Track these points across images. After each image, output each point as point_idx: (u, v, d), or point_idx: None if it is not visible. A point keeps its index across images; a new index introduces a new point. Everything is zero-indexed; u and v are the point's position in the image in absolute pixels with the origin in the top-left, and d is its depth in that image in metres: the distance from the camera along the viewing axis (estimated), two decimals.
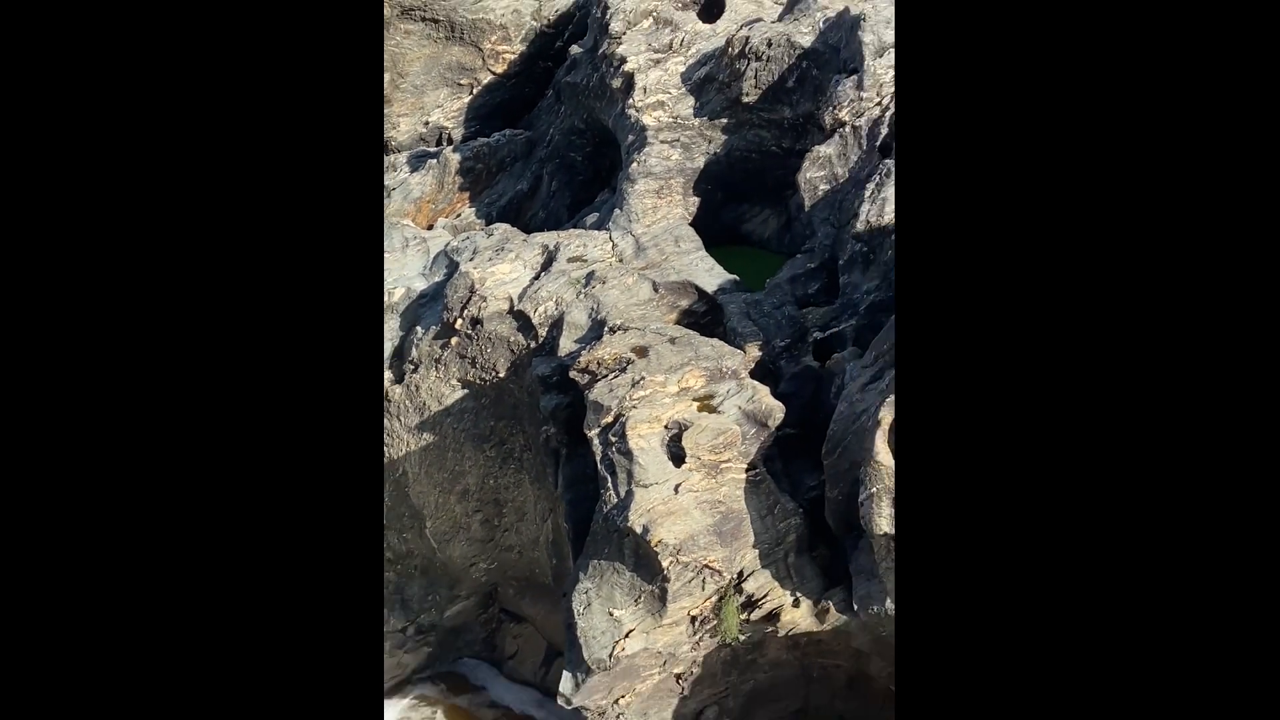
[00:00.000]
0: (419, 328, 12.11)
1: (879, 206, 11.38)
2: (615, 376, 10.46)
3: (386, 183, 14.24)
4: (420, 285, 12.53)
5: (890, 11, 12.69)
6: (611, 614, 10.20)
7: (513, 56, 14.92)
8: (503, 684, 12.67)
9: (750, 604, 10.23)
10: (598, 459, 10.35)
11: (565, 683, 10.40)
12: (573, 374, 10.75)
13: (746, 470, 10.33)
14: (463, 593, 12.54)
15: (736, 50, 13.19)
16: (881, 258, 11.33)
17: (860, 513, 9.71)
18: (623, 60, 13.30)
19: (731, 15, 13.95)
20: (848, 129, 12.39)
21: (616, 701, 10.41)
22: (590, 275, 11.71)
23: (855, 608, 9.92)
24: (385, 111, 14.57)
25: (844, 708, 10.99)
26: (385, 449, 12.13)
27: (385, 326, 12.16)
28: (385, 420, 12.08)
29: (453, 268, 12.29)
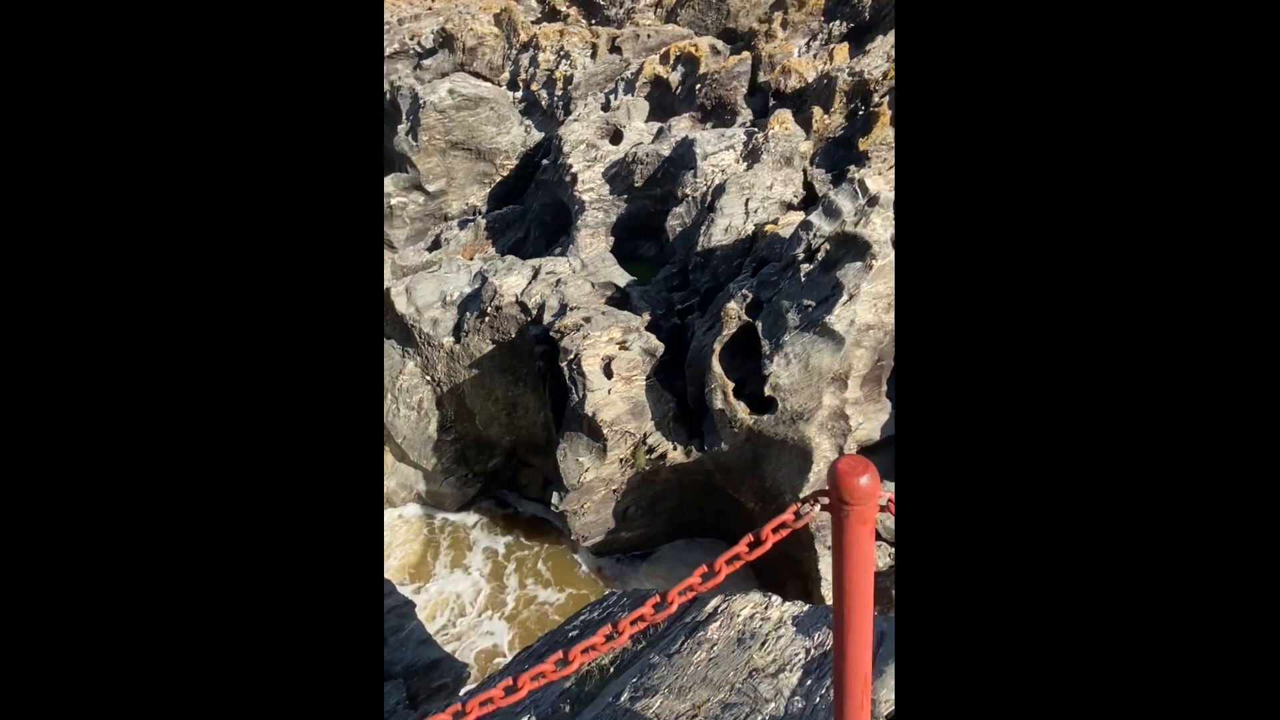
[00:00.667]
0: (468, 313, 11.87)
1: (707, 239, 11.83)
2: (574, 334, 10.55)
3: (444, 235, 13.75)
4: (467, 290, 12.11)
5: (713, 134, 13.00)
6: (579, 460, 10.41)
7: (512, 165, 14.82)
8: (522, 502, 12.56)
9: (651, 449, 10.44)
10: (566, 378, 10.44)
11: (555, 498, 10.67)
12: (552, 334, 10.78)
13: (645, 380, 10.51)
14: (498, 454, 12.36)
15: (630, 160, 13.19)
16: (709, 265, 11.80)
17: (705, 399, 10.21)
18: (570, 167, 13.07)
19: (628, 142, 13.90)
20: (690, 198, 12.66)
21: (583, 506, 10.63)
22: (559, 280, 11.68)
23: (705, 448, 10.21)
24: (443, 198, 14.09)
25: (702, 500, 10.92)
26: (452, 380, 11.80)
27: (447, 315, 11.78)
28: (451, 364, 11.70)
29: (484, 280, 11.93)
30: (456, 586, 11.00)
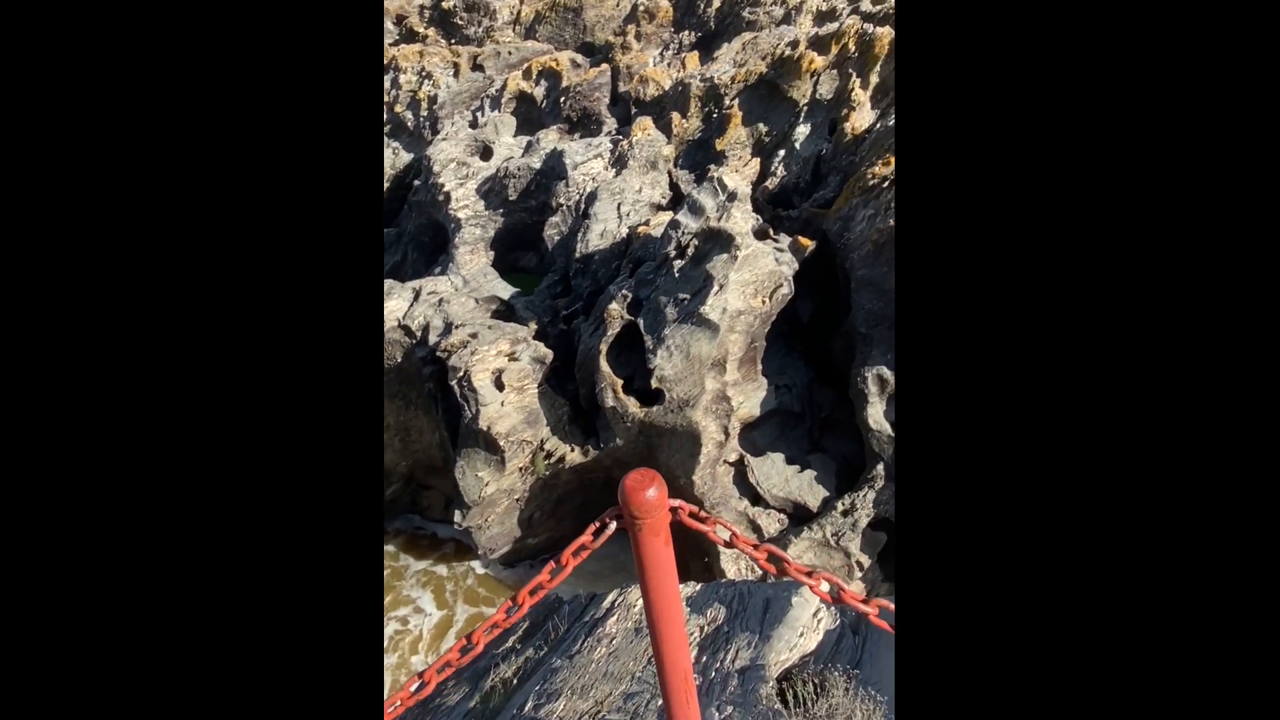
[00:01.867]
0: None
1: (585, 245, 11.82)
2: (461, 351, 10.32)
3: None
4: None
5: (581, 144, 13.03)
6: (478, 475, 10.15)
7: (387, 185, 14.30)
8: (425, 523, 12.30)
9: (549, 455, 10.34)
10: (458, 396, 10.20)
11: (457, 516, 10.39)
12: (439, 354, 10.51)
13: (537, 388, 10.38)
14: (395, 480, 12.00)
15: (502, 174, 13.08)
16: (589, 270, 11.80)
17: (597, 398, 10.28)
18: (443, 186, 12.92)
19: (498, 157, 13.77)
20: (564, 207, 12.63)
21: (486, 519, 10.39)
22: (441, 300, 11.36)
23: (602, 446, 10.22)
24: None
25: (604, 496, 10.93)
26: None
27: None
28: None
29: None
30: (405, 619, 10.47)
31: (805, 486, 9.57)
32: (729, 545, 1.83)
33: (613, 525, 1.71)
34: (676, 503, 1.73)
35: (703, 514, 1.76)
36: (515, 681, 5.01)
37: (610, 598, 5.38)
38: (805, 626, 5.54)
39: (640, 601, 5.39)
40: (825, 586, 1.86)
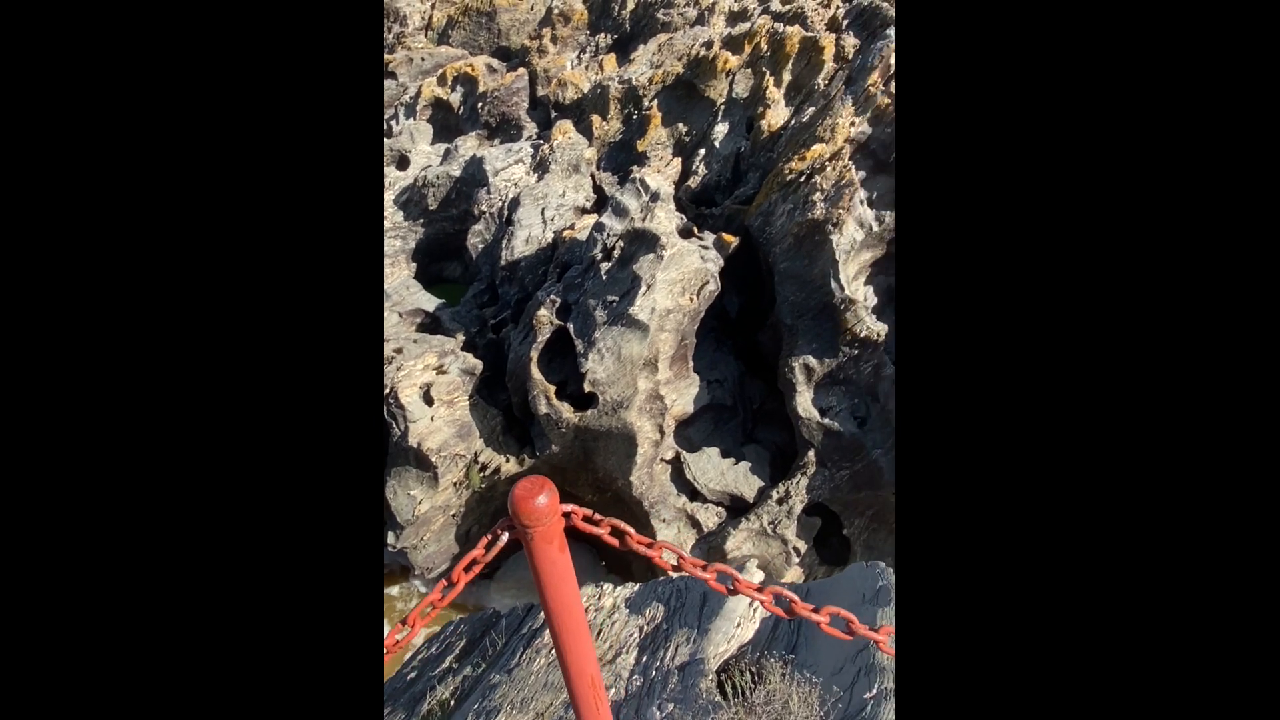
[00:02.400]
0: None
1: (510, 252, 11.69)
2: (387, 367, 10.06)
3: None
4: None
5: (500, 150, 12.88)
6: (410, 494, 9.91)
7: None
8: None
9: (484, 467, 10.18)
10: (385, 414, 9.95)
11: (390, 538, 10.06)
12: None
13: (468, 399, 10.21)
14: None
15: (421, 184, 12.88)
16: (516, 277, 11.67)
17: (530, 406, 10.21)
18: None
19: (415, 166, 13.52)
20: (487, 214, 12.48)
21: (422, 538, 10.16)
22: None
23: (538, 454, 10.15)
24: None
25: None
26: None
27: None
28: None
29: None
30: None
31: (741, 478, 9.72)
32: (676, 569, 1.82)
33: (505, 536, 1.67)
34: (569, 508, 1.70)
35: (596, 517, 1.75)
36: (453, 702, 4.88)
37: None
38: (742, 616, 5.62)
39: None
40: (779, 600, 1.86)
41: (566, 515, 1.68)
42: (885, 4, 13.82)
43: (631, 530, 1.73)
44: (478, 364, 10.34)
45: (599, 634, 5.26)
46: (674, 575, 6.40)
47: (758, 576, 5.64)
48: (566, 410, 9.58)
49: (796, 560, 9.40)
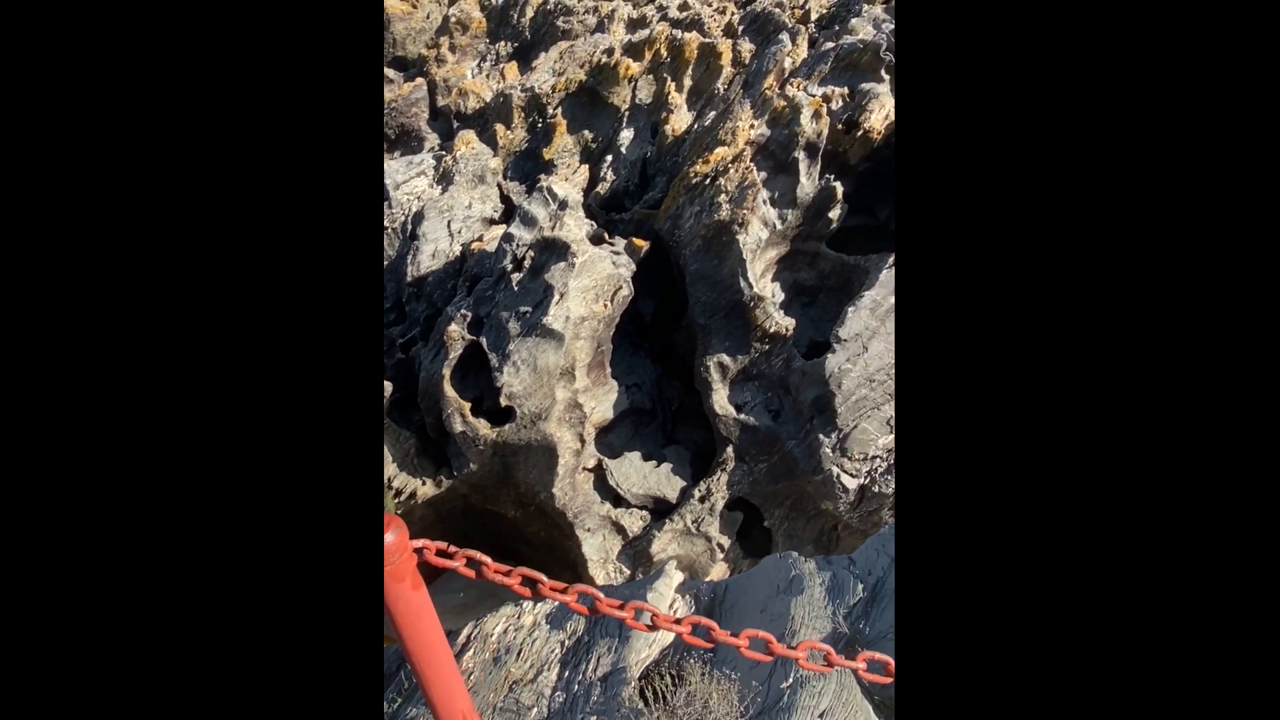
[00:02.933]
0: None
1: (416, 267, 11.36)
2: None
3: None
4: None
5: (401, 163, 12.49)
6: None
7: None
8: None
9: (399, 492, 9.85)
10: None
11: None
12: None
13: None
14: None
15: None
16: (423, 293, 11.35)
17: (445, 425, 9.95)
18: None
19: None
20: (390, 230, 12.04)
21: None
22: None
23: (455, 474, 9.85)
24: None
25: (463, 524, 10.62)
26: None
27: None
28: None
29: None
30: None
31: (663, 480, 9.81)
32: (537, 595, 1.80)
33: None
34: (420, 543, 1.67)
35: (450, 550, 1.72)
36: None
37: (465, 632, 5.21)
38: None
39: (499, 628, 5.23)
40: (646, 617, 1.87)
41: (419, 551, 1.65)
42: (777, 10, 14.29)
43: (488, 560, 1.71)
44: (387, 386, 10.00)
45: (519, 654, 5.19)
46: (595, 588, 6.35)
47: (678, 579, 5.69)
48: (483, 427, 9.41)
49: (721, 556, 9.56)
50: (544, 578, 1.81)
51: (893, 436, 8.85)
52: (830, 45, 11.71)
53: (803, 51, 12.20)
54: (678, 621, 1.91)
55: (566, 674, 4.95)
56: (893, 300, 9.29)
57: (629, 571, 9.24)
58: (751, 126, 11.15)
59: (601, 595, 1.85)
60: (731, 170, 10.67)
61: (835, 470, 8.87)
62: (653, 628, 1.85)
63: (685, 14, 14.75)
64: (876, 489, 8.87)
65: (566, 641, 5.11)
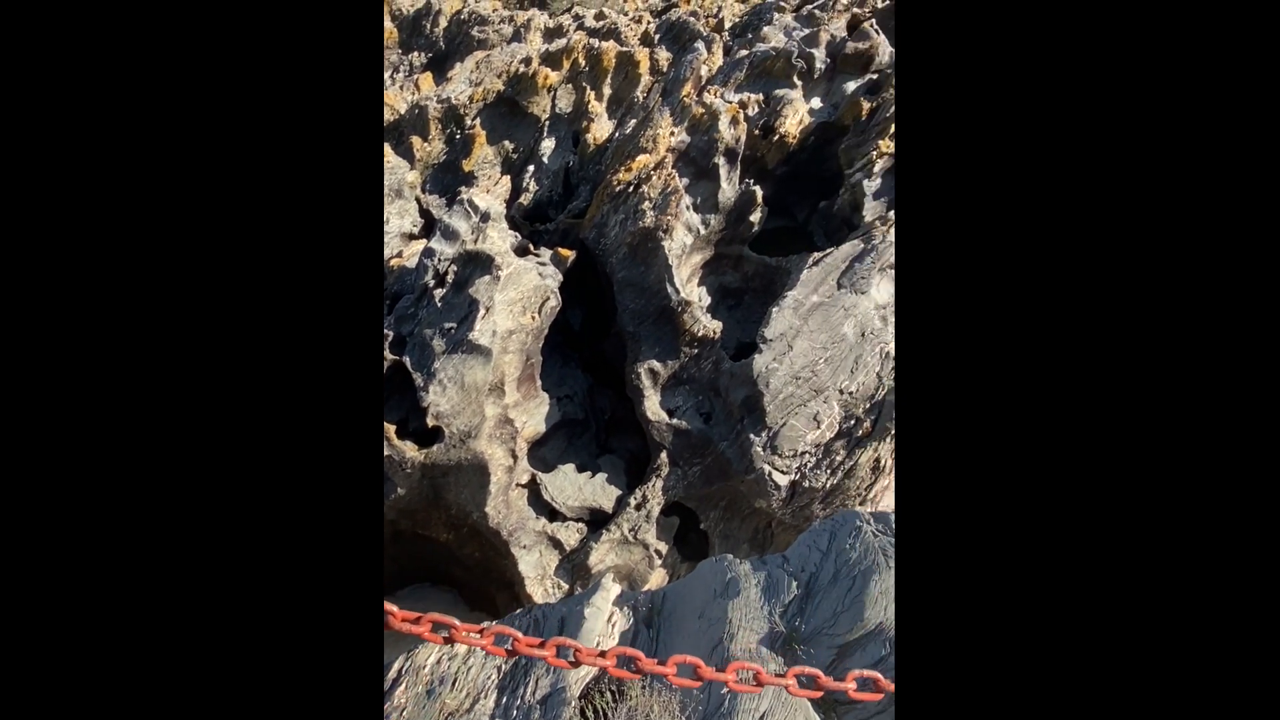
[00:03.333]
0: None
1: None
2: None
3: None
4: None
5: None
6: None
7: None
8: None
9: None
10: None
11: None
12: None
13: None
14: None
15: None
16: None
17: None
18: None
19: None
20: None
21: None
22: None
23: (384, 499, 9.64)
24: None
25: (394, 551, 10.21)
26: None
27: None
28: None
29: None
30: None
31: (599, 490, 9.74)
32: (450, 640, 1.71)
33: None
34: (390, 609, 1.58)
35: (415, 616, 1.65)
36: None
37: (397, 665, 5.01)
38: (601, 635, 5.57)
39: (431, 659, 5.05)
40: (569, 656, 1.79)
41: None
42: (692, 19, 14.49)
43: (456, 622, 1.62)
44: None
45: (454, 683, 5.02)
46: (531, 607, 6.24)
47: (615, 591, 5.64)
48: (410, 449, 9.10)
49: (659, 562, 9.56)
50: (456, 622, 1.73)
51: (819, 431, 9.07)
52: (745, 53, 11.96)
53: (718, 59, 12.41)
54: (602, 654, 1.85)
55: (504, 700, 4.81)
56: (814, 299, 9.54)
57: (567, 586, 9.11)
58: (672, 133, 11.25)
59: (520, 634, 1.77)
60: (654, 177, 10.73)
61: (767, 468, 9.01)
62: (575, 664, 1.79)
63: (602, 23, 14.78)
64: (806, 484, 9.07)
65: (503, 666, 4.97)
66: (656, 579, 9.37)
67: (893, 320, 9.48)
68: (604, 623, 5.63)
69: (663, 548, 9.54)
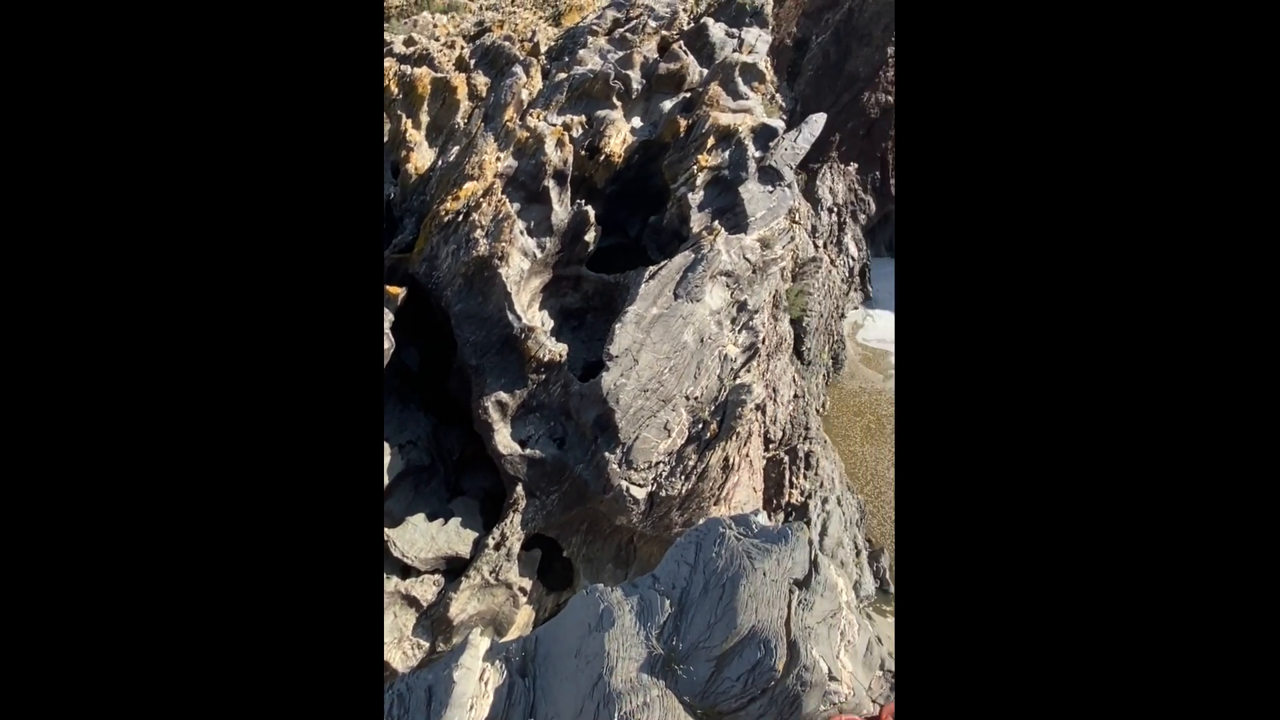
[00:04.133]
0: None
1: None
2: None
3: None
4: None
5: None
6: None
7: None
8: None
9: None
10: None
11: None
12: None
13: None
14: None
15: None
16: None
17: None
18: None
19: None
20: None
21: None
22: None
23: None
24: None
25: None
26: None
27: None
28: None
29: None
30: None
31: (453, 536, 9.06)
32: None
33: None
34: None
35: None
36: None
37: None
38: (474, 696, 5.09)
39: None
40: None
41: None
42: (507, 44, 14.29)
43: None
44: None
45: None
46: (395, 679, 5.53)
47: (484, 646, 5.18)
48: None
49: (524, 599, 9.05)
50: None
51: (671, 440, 9.10)
52: (563, 76, 11.94)
53: (538, 83, 12.29)
54: None
55: None
56: (654, 311, 9.61)
57: (428, 644, 8.30)
58: (498, 159, 10.92)
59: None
60: (484, 204, 10.33)
61: (624, 484, 8.87)
62: None
63: (412, 49, 14.13)
64: (663, 493, 9.05)
65: None
66: (523, 618, 8.83)
67: (727, 324, 9.78)
68: (476, 683, 5.12)
69: (527, 584, 9.03)
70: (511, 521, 9.02)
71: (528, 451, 9.20)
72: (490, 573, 8.77)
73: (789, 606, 5.28)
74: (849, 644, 5.05)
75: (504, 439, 9.13)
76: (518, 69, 12.02)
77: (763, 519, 6.11)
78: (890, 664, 5.25)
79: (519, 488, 9.11)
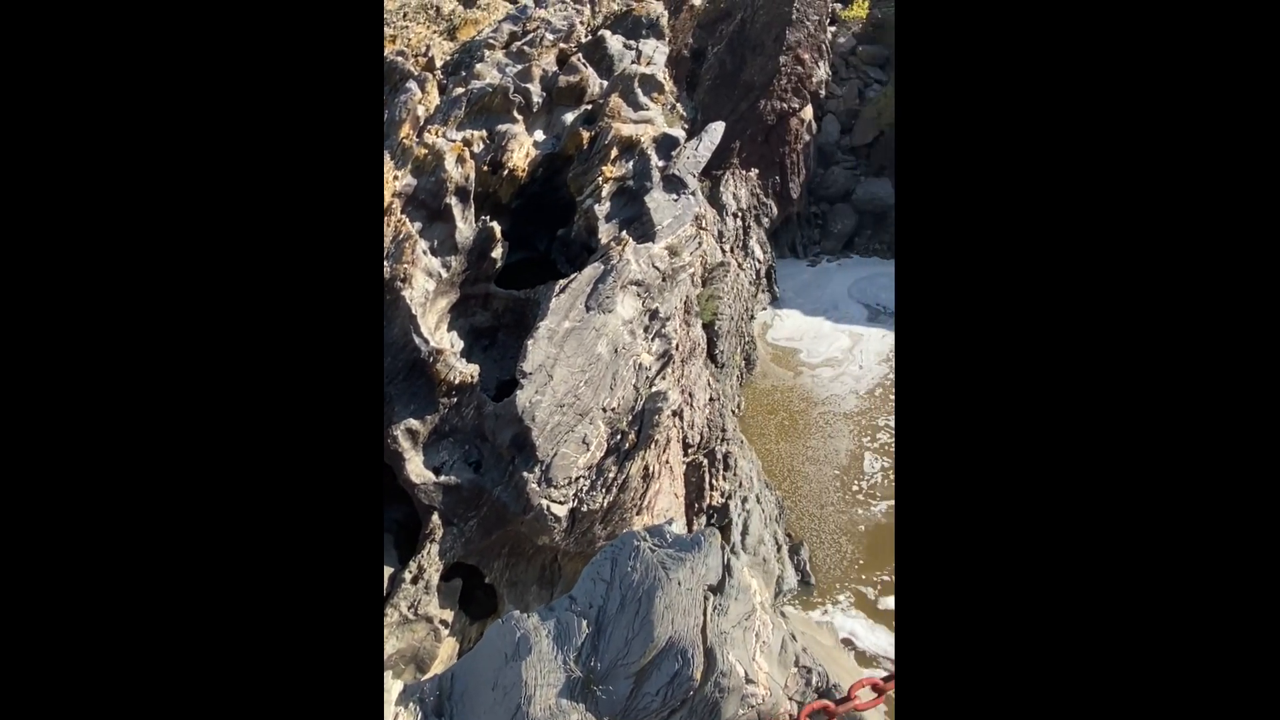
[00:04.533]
0: None
1: None
2: None
3: None
4: None
5: None
6: None
7: None
8: None
9: None
10: None
11: None
12: None
13: None
14: None
15: None
16: None
17: None
18: None
19: None
20: None
21: None
22: None
23: None
24: None
25: None
26: None
27: None
28: None
29: None
30: None
31: None
32: None
33: None
34: None
35: None
36: None
37: None
38: None
39: None
40: None
41: None
42: (401, 59, 13.86)
43: None
44: None
45: None
46: None
47: (397, 689, 4.97)
48: None
49: (446, 632, 8.73)
50: None
51: (590, 453, 9.02)
52: (461, 90, 11.68)
53: (434, 98, 11.97)
54: None
55: None
56: (566, 324, 9.51)
57: None
58: (396, 178, 10.55)
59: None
60: (384, 225, 9.96)
61: (544, 503, 8.71)
62: None
63: None
64: (585, 509, 8.95)
65: None
66: (446, 651, 8.50)
67: (640, 333, 9.80)
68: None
69: (448, 616, 8.71)
70: (429, 553, 8.68)
71: (442, 479, 8.89)
72: (408, 608, 8.40)
73: (704, 614, 5.27)
74: (764, 644, 5.11)
75: (416, 468, 8.79)
76: (412, 85, 11.68)
77: (676, 528, 6.10)
78: (805, 660, 5.33)
79: (435, 517, 8.78)
